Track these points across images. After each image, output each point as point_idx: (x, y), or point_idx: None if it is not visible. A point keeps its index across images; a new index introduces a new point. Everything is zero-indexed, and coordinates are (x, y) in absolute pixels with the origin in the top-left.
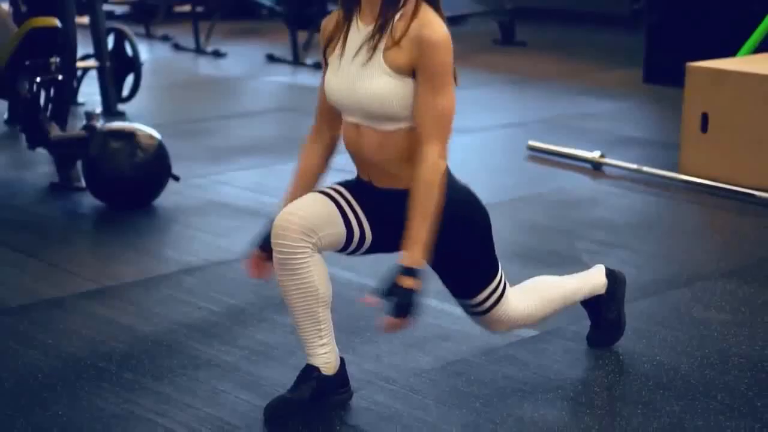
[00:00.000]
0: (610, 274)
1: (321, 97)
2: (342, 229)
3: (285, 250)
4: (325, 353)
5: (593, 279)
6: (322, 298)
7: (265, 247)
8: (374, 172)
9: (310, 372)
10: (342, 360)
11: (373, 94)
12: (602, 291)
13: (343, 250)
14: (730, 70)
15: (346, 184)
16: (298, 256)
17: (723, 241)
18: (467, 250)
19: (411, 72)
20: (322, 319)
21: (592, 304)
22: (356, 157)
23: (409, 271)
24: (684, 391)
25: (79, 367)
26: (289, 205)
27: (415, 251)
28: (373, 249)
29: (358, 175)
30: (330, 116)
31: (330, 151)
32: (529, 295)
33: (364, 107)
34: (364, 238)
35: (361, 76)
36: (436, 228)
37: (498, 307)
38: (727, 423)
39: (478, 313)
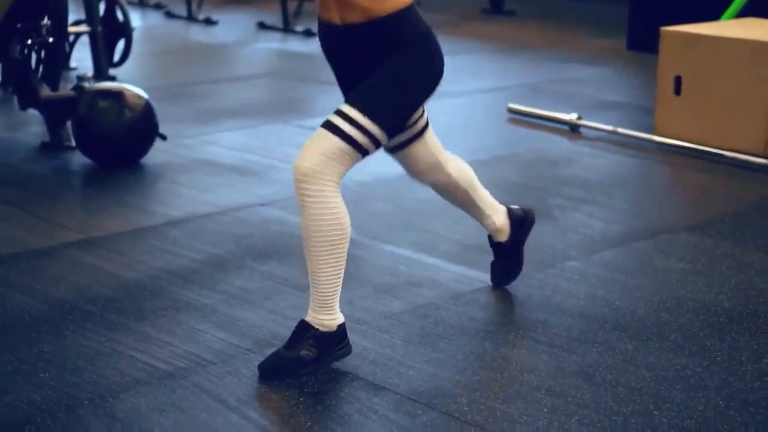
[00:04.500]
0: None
1: None
2: None
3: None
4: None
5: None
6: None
7: None
8: (338, 5)
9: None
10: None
11: None
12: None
13: None
14: (701, 34)
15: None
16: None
17: (690, 198)
18: (398, 70)
19: None
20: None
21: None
22: None
23: None
24: (639, 332)
25: (64, 310)
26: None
27: None
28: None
29: (324, 27)
30: None
31: None
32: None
33: None
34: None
35: None
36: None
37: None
38: (676, 360)
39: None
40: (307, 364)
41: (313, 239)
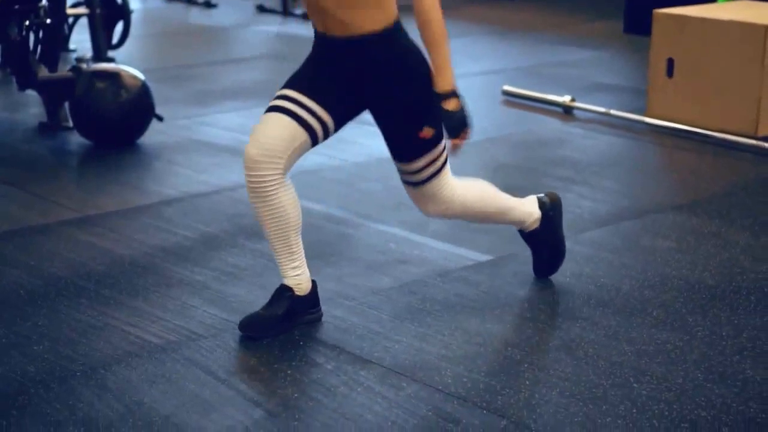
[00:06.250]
0: (544, 206)
1: None
2: (305, 137)
3: (255, 179)
4: (297, 275)
5: (526, 207)
6: (293, 223)
7: None
8: (329, 21)
9: (283, 291)
10: (314, 282)
11: None
12: (536, 224)
13: (315, 145)
14: (693, 16)
15: (297, 78)
16: (267, 183)
17: (679, 179)
18: (413, 106)
19: None
20: (294, 243)
21: (529, 237)
22: (311, 6)
23: (449, 95)
24: (622, 308)
25: (59, 285)
26: (252, 135)
27: (444, 76)
28: (340, 125)
29: (315, 34)
30: None
31: None
32: (470, 188)
33: None
34: (327, 127)
35: None
36: (390, 78)
37: (435, 181)
38: (658, 335)
39: (414, 183)
40: None
41: (482, 215)
